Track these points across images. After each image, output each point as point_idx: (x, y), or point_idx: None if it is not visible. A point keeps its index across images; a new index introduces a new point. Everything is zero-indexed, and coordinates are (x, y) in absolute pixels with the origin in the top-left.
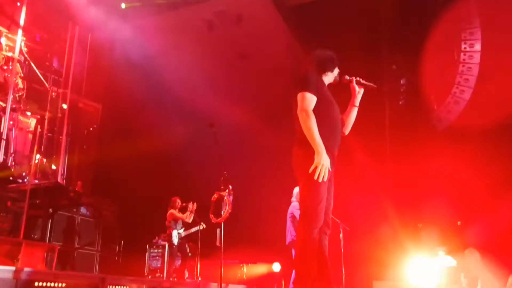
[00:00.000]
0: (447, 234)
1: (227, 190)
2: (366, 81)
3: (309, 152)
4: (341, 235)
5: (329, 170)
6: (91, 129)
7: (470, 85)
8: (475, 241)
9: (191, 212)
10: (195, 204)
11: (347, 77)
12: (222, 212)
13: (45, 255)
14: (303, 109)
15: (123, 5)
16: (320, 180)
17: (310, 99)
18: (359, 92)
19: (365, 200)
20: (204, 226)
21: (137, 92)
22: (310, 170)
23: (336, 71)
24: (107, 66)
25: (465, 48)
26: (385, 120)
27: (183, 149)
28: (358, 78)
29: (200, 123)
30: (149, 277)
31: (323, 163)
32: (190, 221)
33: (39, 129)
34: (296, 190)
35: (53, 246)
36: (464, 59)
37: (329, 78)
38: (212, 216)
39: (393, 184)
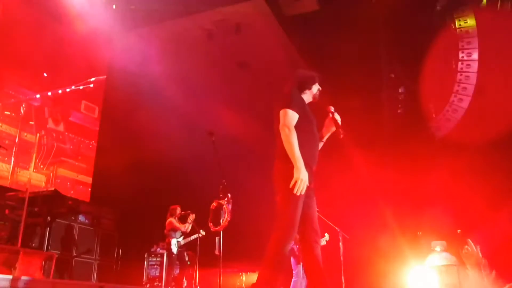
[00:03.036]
0: (447, 242)
1: (226, 199)
2: (340, 126)
3: (289, 167)
4: (340, 244)
5: (307, 185)
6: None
7: (468, 94)
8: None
9: (189, 223)
10: (193, 215)
11: (332, 109)
12: (221, 220)
13: (43, 263)
14: (285, 125)
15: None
16: (298, 194)
17: (292, 116)
18: (331, 130)
19: (364, 208)
20: (204, 233)
21: (137, 101)
22: (291, 185)
23: (316, 89)
24: (107, 76)
25: (462, 57)
26: (383, 128)
27: (182, 158)
28: (336, 116)
29: (199, 131)
30: (148, 286)
31: (302, 178)
32: (189, 230)
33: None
34: None
35: (51, 255)
36: (461, 68)
37: (307, 96)
38: (211, 224)
39: (393, 192)
